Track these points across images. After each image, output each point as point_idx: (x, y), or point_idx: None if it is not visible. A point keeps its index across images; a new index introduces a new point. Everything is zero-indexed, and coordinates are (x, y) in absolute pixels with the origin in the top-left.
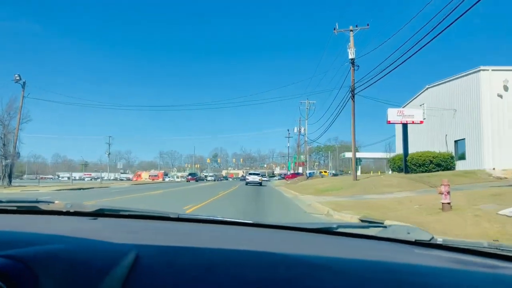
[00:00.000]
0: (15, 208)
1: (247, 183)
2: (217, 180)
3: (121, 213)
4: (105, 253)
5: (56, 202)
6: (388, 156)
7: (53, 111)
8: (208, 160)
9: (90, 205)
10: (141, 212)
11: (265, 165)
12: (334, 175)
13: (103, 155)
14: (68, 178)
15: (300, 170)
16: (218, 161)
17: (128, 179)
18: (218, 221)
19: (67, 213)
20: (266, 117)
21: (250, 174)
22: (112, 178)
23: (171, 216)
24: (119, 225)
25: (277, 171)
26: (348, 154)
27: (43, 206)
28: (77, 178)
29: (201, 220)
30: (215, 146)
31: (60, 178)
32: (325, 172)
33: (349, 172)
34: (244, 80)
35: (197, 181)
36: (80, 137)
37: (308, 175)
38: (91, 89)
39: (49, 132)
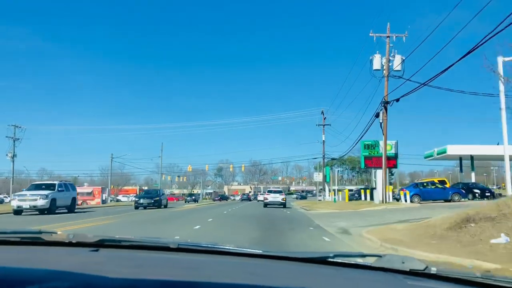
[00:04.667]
0: (18, 239)
1: (265, 205)
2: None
3: (122, 243)
4: None
5: (59, 232)
6: None
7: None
8: (189, 168)
9: (92, 235)
10: (141, 242)
11: (280, 178)
12: None
13: (95, 169)
14: None
15: (379, 175)
16: (206, 169)
17: None
18: (219, 251)
19: (69, 244)
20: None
21: (270, 191)
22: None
23: (171, 246)
24: (119, 258)
25: (307, 184)
26: (455, 149)
27: (46, 237)
28: None
29: (202, 251)
30: (220, 158)
31: None
32: None
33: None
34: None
35: None
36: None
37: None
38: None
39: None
